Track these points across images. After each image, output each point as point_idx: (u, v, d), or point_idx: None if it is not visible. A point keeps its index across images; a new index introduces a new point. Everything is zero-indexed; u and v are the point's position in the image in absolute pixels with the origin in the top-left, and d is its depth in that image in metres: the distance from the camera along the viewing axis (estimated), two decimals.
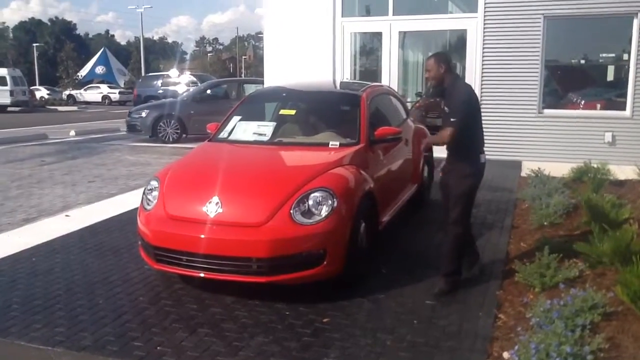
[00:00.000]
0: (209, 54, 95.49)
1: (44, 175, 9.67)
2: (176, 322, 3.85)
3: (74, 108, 36.48)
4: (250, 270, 3.93)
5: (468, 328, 3.70)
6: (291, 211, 3.98)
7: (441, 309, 4.00)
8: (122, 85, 49.54)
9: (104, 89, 44.43)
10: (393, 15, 10.37)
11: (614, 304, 3.70)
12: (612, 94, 9.79)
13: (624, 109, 9.41)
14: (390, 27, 10.38)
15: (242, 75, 70.17)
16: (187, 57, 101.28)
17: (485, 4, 9.69)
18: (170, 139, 13.78)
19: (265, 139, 5.01)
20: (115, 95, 42.79)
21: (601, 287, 4.06)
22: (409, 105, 7.00)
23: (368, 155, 4.85)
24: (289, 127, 5.31)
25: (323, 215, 3.99)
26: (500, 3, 9.66)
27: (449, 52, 10.67)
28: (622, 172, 8.12)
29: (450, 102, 4.24)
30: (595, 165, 7.81)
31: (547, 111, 9.73)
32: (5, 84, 29.77)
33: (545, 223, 5.83)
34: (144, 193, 4.55)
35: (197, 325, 3.79)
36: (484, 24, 9.76)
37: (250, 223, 3.96)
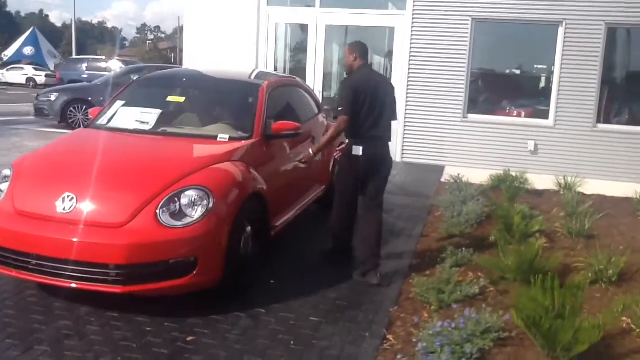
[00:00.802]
0: (148, 42, 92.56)
1: None
2: (12, 336, 3.25)
3: None
4: (106, 279, 3.35)
5: (350, 352, 3.26)
6: (158, 211, 3.44)
7: (326, 326, 3.56)
8: (52, 69, 47.01)
9: (29, 70, 41.96)
10: (320, 6, 9.92)
11: (511, 327, 3.37)
12: (537, 103, 9.71)
13: (547, 117, 9.33)
14: (317, 19, 9.92)
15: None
16: (127, 43, 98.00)
17: (414, 2, 9.39)
18: (81, 126, 12.77)
19: (147, 127, 4.43)
20: (40, 78, 40.42)
21: (502, 306, 3.74)
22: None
23: (262, 151, 4.36)
24: (177, 116, 4.75)
25: (195, 217, 3.47)
26: (429, 2, 9.39)
27: (378, 51, 10.38)
28: (542, 181, 8.00)
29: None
30: (513, 174, 7.63)
31: (471, 116, 9.53)
32: None
33: (455, 232, 5.52)
34: None
35: (36, 342, 3.20)
36: (412, 22, 9.45)
37: (107, 223, 3.39)
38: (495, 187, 7.58)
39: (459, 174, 7.67)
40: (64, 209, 3.45)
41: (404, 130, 9.75)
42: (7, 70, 41.96)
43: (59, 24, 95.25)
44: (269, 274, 4.29)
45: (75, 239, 3.33)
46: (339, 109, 4.26)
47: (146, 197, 3.48)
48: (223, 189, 3.66)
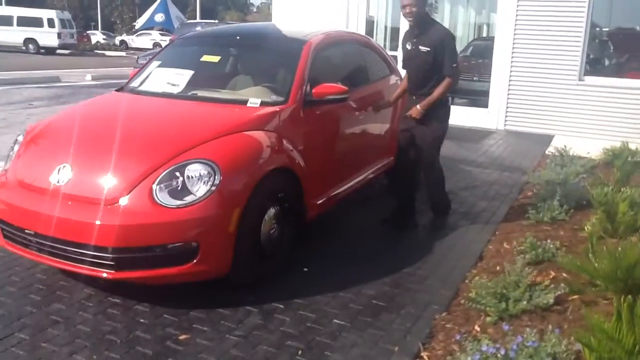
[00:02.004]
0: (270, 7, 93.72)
1: (17, 120, 8.96)
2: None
3: (122, 53, 36.24)
4: (95, 262, 2.96)
5: None
6: (154, 187, 2.96)
7: (349, 333, 2.93)
8: None
9: (156, 35, 44.05)
10: None
11: None
12: None
13: None
14: None
15: None
16: (254, 9, 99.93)
17: None
18: None
19: (175, 91, 3.96)
20: (165, 42, 42.35)
21: (582, 325, 2.88)
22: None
23: (299, 118, 3.72)
24: (209, 78, 4.24)
25: (198, 197, 2.95)
26: None
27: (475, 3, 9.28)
28: None
29: (439, 42, 4.11)
30: (633, 147, 6.35)
31: (589, 79, 8.16)
32: (53, 26, 29.71)
33: (546, 219, 4.57)
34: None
35: (19, 327, 2.90)
36: None
37: (98, 199, 2.97)
38: (608, 162, 6.36)
39: (565, 146, 6.54)
40: (57, 181, 3.09)
41: (508, 94, 8.62)
42: (137, 36, 44.38)
43: None
44: (305, 260, 3.72)
45: (63, 215, 2.96)
46: (453, 65, 4.14)
47: (142, 170, 3.01)
48: (234, 163, 3.10)
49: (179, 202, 2.94)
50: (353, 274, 3.58)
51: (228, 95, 3.90)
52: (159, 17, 57.05)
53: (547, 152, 7.21)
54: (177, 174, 3.00)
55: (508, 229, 4.48)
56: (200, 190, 2.97)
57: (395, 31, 10.25)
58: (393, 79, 5.27)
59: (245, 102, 3.70)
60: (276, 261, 3.47)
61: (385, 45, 10.40)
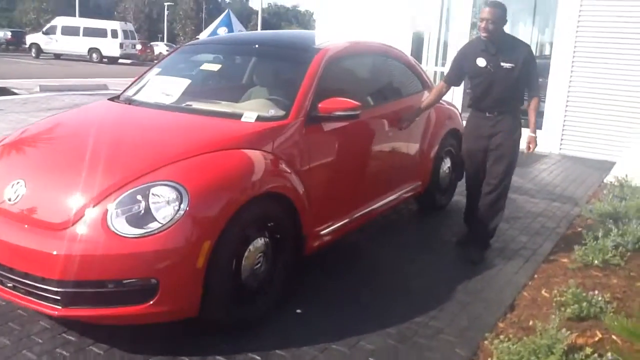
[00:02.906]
0: None
1: None
2: None
3: None
4: (43, 295, 2.55)
5: None
6: (110, 212, 2.53)
7: None
8: None
9: None
10: None
11: None
12: None
13: None
14: None
15: None
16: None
17: None
18: None
19: (168, 101, 3.53)
20: None
21: None
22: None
23: (300, 136, 3.22)
24: (207, 88, 3.82)
25: (160, 225, 2.50)
26: None
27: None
28: None
29: (524, 59, 3.83)
30: None
31: None
32: (115, 37, 30.59)
33: (597, 262, 3.88)
34: None
35: None
36: None
37: (47, 223, 2.57)
38: None
39: (627, 175, 5.75)
40: (9, 199, 2.71)
41: (565, 115, 7.87)
42: None
43: (257, 8, 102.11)
44: (301, 299, 3.20)
45: (8, 239, 2.57)
46: (539, 82, 4.09)
47: (98, 191, 2.58)
48: (207, 186, 2.63)
49: (136, 231, 2.49)
50: (354, 319, 3.04)
51: (223, 108, 3.44)
52: (222, 31, 58.42)
53: (605, 180, 6.42)
54: (139, 197, 2.56)
55: (549, 272, 3.82)
56: (162, 218, 2.51)
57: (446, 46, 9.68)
58: (427, 95, 4.71)
59: (240, 116, 3.24)
60: (262, 301, 2.97)
61: (437, 61, 9.83)
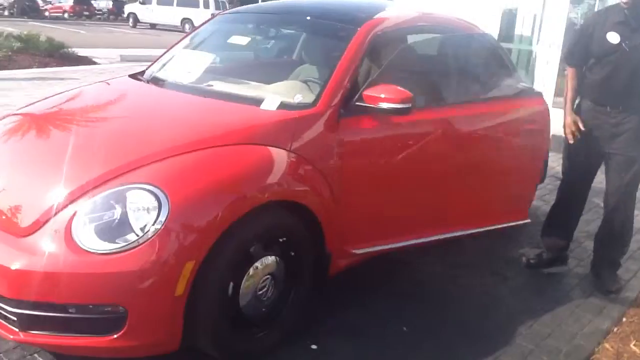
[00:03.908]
0: None
1: None
2: None
3: None
4: (4, 316, 2.15)
5: None
6: (75, 220, 2.07)
7: None
8: None
9: None
10: None
11: None
12: None
13: None
14: None
15: None
16: None
17: None
18: None
19: (187, 80, 3.02)
20: None
21: None
22: None
23: (331, 131, 2.61)
24: (235, 65, 3.28)
25: (133, 240, 2.02)
26: None
27: None
28: None
29: None
30: None
31: None
32: (207, 7, 30.82)
33: None
34: None
35: None
36: None
37: (10, 229, 2.16)
38: None
39: None
40: None
41: None
42: None
43: None
44: (318, 331, 2.64)
45: None
46: None
47: (66, 193, 2.13)
48: (192, 191, 2.11)
49: (103, 246, 2.02)
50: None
51: (245, 90, 2.88)
52: None
53: None
54: (114, 202, 2.08)
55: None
56: (135, 232, 2.03)
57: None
58: (535, 104, 3.70)
59: (259, 102, 2.68)
60: (269, 333, 2.44)
61: (532, 39, 8.72)
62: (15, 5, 32.11)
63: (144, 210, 2.05)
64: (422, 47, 3.49)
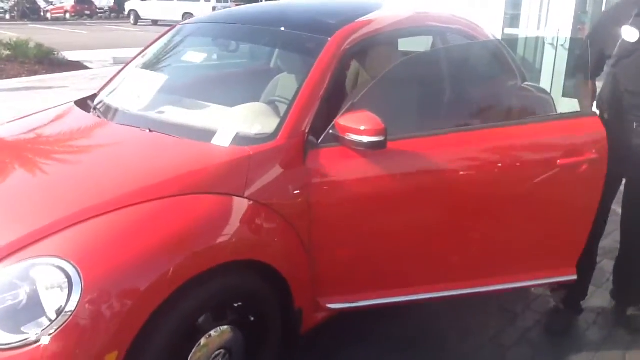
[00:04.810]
0: None
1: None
2: None
3: None
4: None
5: None
6: None
7: None
8: None
9: None
10: None
11: None
12: None
13: None
14: None
15: None
16: None
17: None
18: None
19: (137, 107, 2.60)
20: None
21: None
22: None
23: (297, 167, 2.18)
24: (198, 83, 2.84)
25: (44, 326, 1.62)
26: None
27: None
28: None
29: None
30: None
31: None
32: (208, 0, 30.36)
33: None
34: None
35: None
36: None
37: None
38: None
39: None
40: None
41: None
42: None
43: None
44: None
45: None
46: None
47: None
48: (114, 264, 1.70)
49: (5, 339, 1.62)
50: None
51: (198, 119, 2.44)
52: None
53: None
54: (14, 282, 1.68)
55: None
56: (37, 320, 1.63)
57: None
58: (588, 127, 2.57)
59: (211, 135, 2.26)
60: None
61: (539, 24, 8.15)
62: (16, 9, 31.85)
63: (52, 292, 1.65)
64: (415, 56, 3.00)
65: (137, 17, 31.68)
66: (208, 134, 2.26)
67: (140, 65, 2.97)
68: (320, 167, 2.20)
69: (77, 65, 11.35)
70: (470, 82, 2.86)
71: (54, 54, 11.33)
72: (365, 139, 2.11)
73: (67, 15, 33.51)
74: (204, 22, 3.13)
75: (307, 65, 2.38)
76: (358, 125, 2.11)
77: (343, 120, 2.18)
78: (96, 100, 2.83)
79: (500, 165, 2.40)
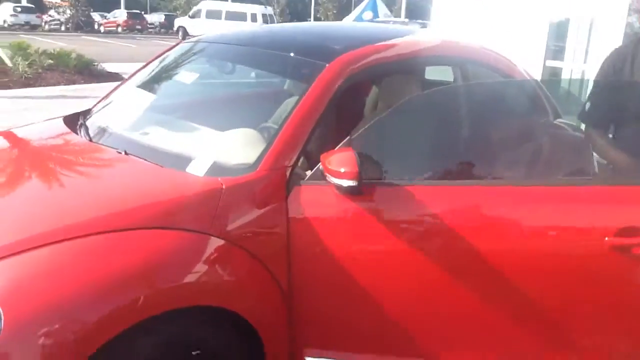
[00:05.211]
0: None
1: None
2: None
3: None
4: None
5: None
6: None
7: None
8: None
9: None
10: None
11: None
12: None
13: None
14: None
15: None
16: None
17: None
18: None
19: (117, 128, 2.41)
20: None
21: None
22: None
23: (278, 204, 1.94)
24: (184, 108, 2.65)
25: None
26: None
27: None
28: None
29: None
30: None
31: None
32: (255, 20, 30.81)
33: None
34: None
35: None
36: None
37: None
38: None
39: None
40: None
41: None
42: None
43: None
44: None
45: None
46: None
47: None
48: (44, 303, 1.50)
49: None
50: None
51: (181, 143, 2.24)
52: (367, 15, 57.07)
53: None
54: None
55: None
56: None
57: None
58: None
59: (186, 163, 2.05)
60: None
61: (586, 57, 7.73)
62: (71, 21, 32.98)
63: None
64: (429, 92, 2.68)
65: (185, 33, 32.35)
66: (185, 161, 2.06)
67: (136, 83, 2.81)
68: (304, 206, 1.95)
69: (115, 77, 11.48)
70: (490, 123, 2.41)
71: (94, 65, 11.51)
72: (342, 182, 1.84)
73: (119, 29, 34.56)
74: (210, 41, 2.94)
75: (300, 92, 2.16)
76: (338, 167, 1.84)
77: (326, 157, 1.92)
78: (84, 117, 2.67)
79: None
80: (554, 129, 2.76)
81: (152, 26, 38.01)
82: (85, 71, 11.18)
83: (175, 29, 33.77)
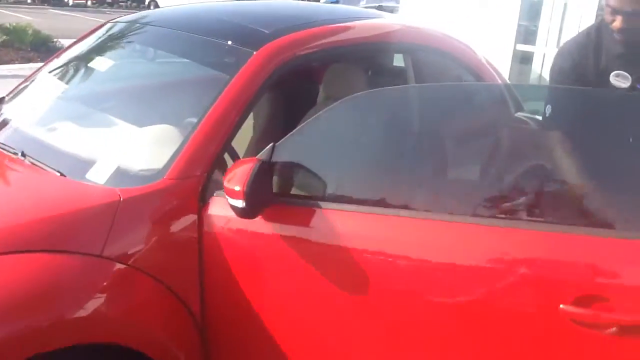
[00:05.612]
0: None
1: None
2: None
3: None
4: None
5: None
6: None
7: None
8: None
9: None
10: None
11: None
12: None
13: None
14: None
15: None
16: None
17: None
18: None
19: (22, 125, 2.11)
20: None
21: None
22: None
23: (183, 216, 1.66)
24: (105, 99, 2.34)
25: None
26: None
27: None
28: None
29: None
30: None
31: None
32: None
33: None
34: None
35: None
36: None
37: None
38: None
39: None
40: None
41: None
42: None
43: None
44: None
45: None
46: None
47: None
48: None
49: None
50: None
51: (84, 143, 1.93)
52: None
53: None
54: None
55: None
56: None
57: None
58: None
59: (86, 167, 1.77)
60: None
61: (559, 40, 7.47)
62: None
63: None
64: (380, 82, 2.39)
65: (157, 7, 31.52)
66: (87, 165, 1.78)
67: (49, 69, 2.49)
68: (219, 220, 1.69)
69: None
70: (440, 131, 1.99)
71: (53, 42, 10.94)
72: (236, 202, 1.56)
73: (89, 2, 33.37)
74: (134, 21, 2.61)
75: (221, 86, 1.88)
76: (233, 185, 1.55)
77: (230, 170, 1.63)
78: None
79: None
80: (514, 123, 2.51)
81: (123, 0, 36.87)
82: (43, 48, 10.60)
83: (146, 3, 32.76)
